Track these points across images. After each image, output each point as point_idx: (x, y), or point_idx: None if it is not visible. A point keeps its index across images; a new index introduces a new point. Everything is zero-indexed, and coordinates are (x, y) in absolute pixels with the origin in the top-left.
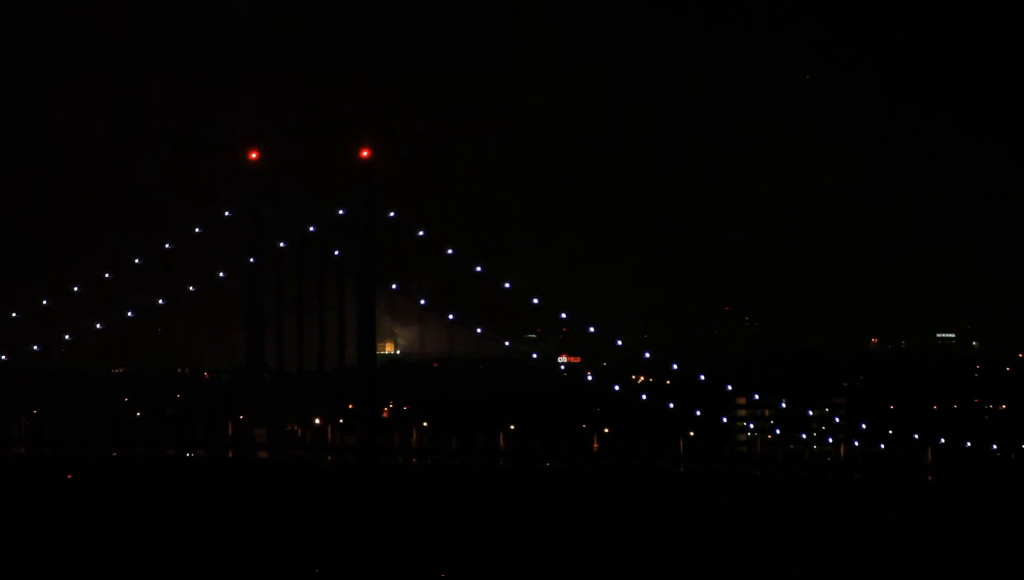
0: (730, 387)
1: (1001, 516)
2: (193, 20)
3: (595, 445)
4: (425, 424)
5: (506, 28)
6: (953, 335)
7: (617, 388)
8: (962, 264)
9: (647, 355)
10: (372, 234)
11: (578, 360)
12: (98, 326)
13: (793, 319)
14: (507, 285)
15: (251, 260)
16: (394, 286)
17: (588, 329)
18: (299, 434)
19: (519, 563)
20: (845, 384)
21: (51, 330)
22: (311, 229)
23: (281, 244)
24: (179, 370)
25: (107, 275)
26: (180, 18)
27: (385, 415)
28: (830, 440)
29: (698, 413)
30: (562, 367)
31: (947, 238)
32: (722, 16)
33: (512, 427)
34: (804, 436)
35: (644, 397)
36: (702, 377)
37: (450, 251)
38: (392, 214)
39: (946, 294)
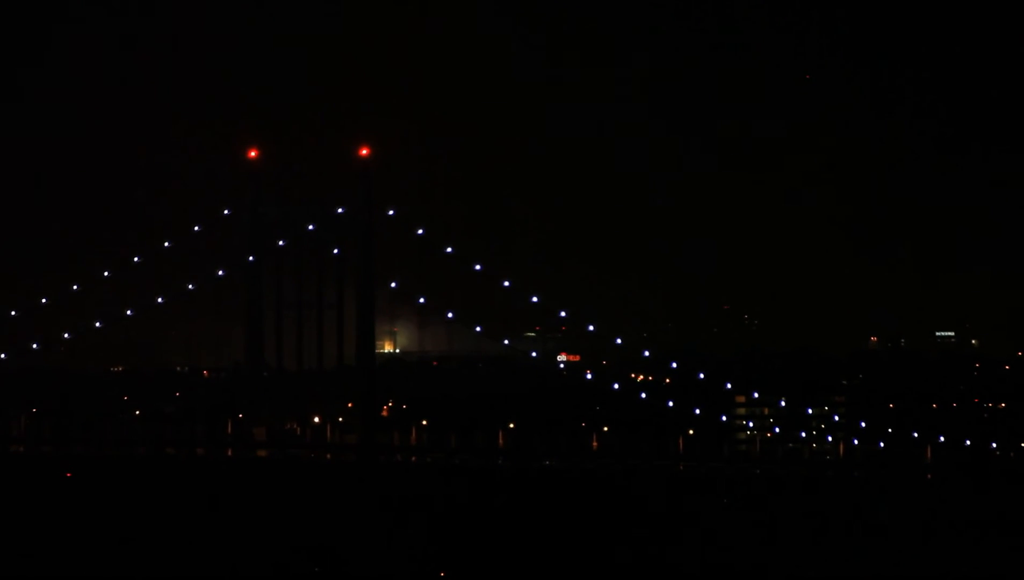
0: (729, 385)
1: (999, 514)
2: (193, 20)
3: (594, 443)
4: (424, 423)
5: (506, 28)
6: (953, 334)
7: (616, 386)
8: (962, 263)
9: (646, 354)
10: (371, 233)
11: (577, 358)
12: (98, 325)
13: (793, 318)
14: (506, 283)
15: (250, 259)
16: (393, 285)
17: (587, 327)
18: (298, 433)
19: (519, 562)
20: (844, 382)
21: (51, 329)
22: (310, 228)
23: (281, 243)
24: (179, 369)
25: (107, 274)
26: (180, 18)
27: (384, 414)
28: (829, 438)
29: (697, 411)
30: (561, 365)
31: (947, 237)
32: (721, 14)
33: (511, 425)
34: (803, 434)
35: (643, 395)
36: (701, 375)
37: (449, 250)
38: (391, 213)
39: (946, 293)
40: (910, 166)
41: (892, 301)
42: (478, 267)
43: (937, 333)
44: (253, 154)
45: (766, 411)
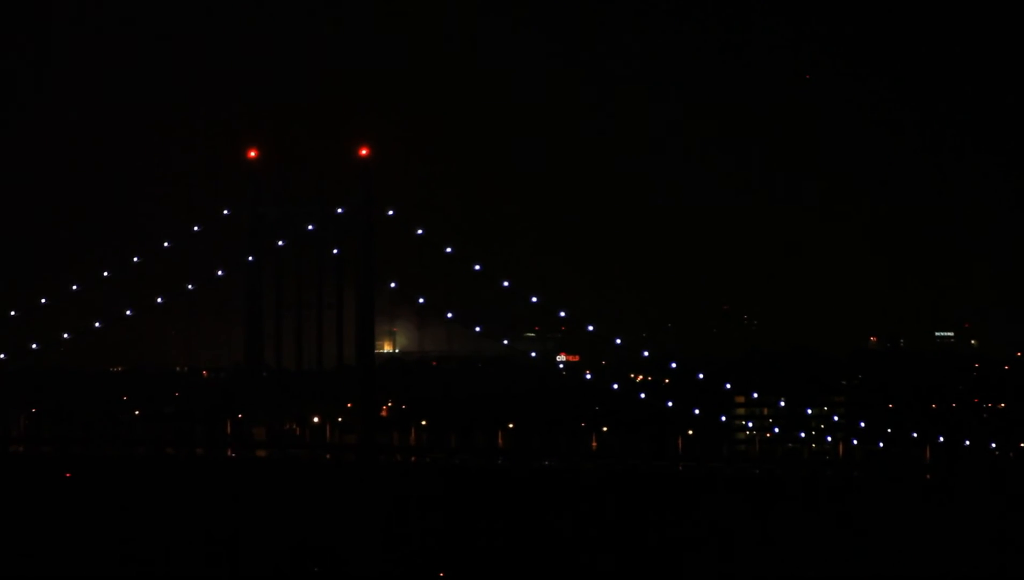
0: (729, 386)
1: (999, 515)
2: (193, 19)
3: (594, 444)
4: (424, 423)
5: (506, 28)
6: (952, 334)
7: (616, 387)
8: (962, 263)
9: (646, 354)
10: (371, 233)
11: (577, 359)
12: (97, 325)
13: (792, 318)
14: (506, 284)
15: (250, 259)
16: (393, 285)
17: (587, 328)
18: (298, 433)
19: (518, 562)
20: (844, 383)
21: (51, 329)
22: (310, 228)
23: (280, 243)
24: (178, 369)
25: (106, 274)
26: (180, 17)
27: (384, 414)
28: (829, 439)
29: (697, 412)
30: (561, 366)
31: (947, 236)
32: (721, 15)
33: (511, 426)
34: (803, 435)
35: (643, 396)
36: (701, 376)
37: (449, 250)
38: (391, 213)
39: (946, 293)
40: (910, 165)
41: (892, 301)
42: (478, 267)
43: (937, 333)
44: (253, 154)
45: (765, 411)
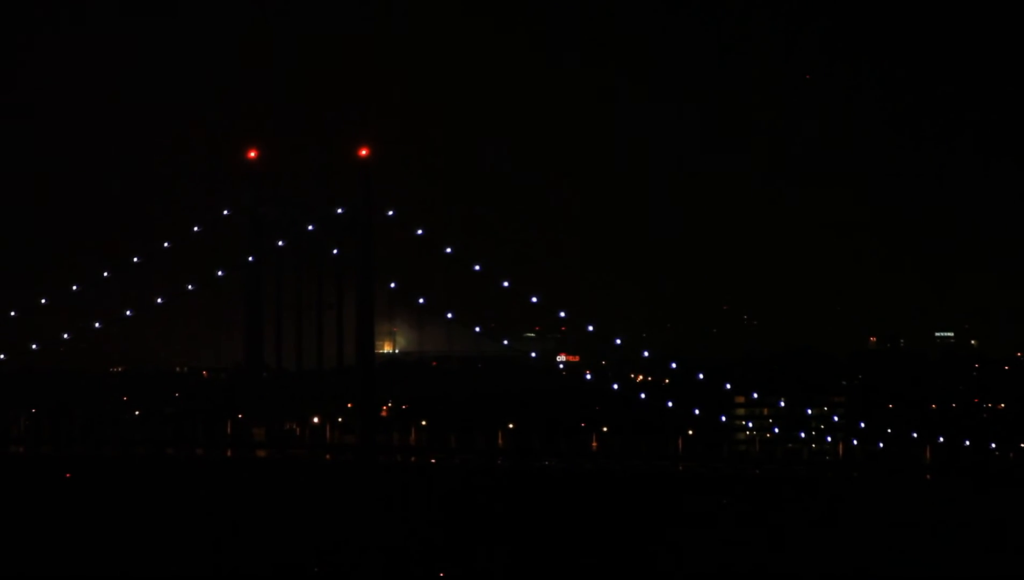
0: (729, 386)
1: (999, 515)
2: (193, 19)
3: (594, 444)
4: (424, 423)
5: (507, 28)
6: (952, 334)
7: (616, 387)
8: (962, 263)
9: (646, 354)
10: (371, 233)
11: (577, 359)
12: (97, 325)
13: (792, 318)
14: (506, 284)
15: (250, 259)
16: (393, 285)
17: (587, 328)
18: (298, 433)
19: (518, 562)
20: (844, 383)
21: (51, 329)
22: (310, 228)
23: (280, 243)
24: (178, 369)
25: (107, 274)
26: (180, 17)
27: (384, 414)
28: (829, 439)
29: (697, 412)
30: (561, 366)
31: (947, 237)
32: (722, 14)
33: (511, 426)
34: (803, 435)
35: (643, 396)
36: (701, 376)
37: (449, 250)
38: (391, 213)
39: (946, 293)
40: (910, 165)
41: (892, 301)
42: (478, 267)
43: (937, 333)
44: (253, 154)
45: (765, 411)
